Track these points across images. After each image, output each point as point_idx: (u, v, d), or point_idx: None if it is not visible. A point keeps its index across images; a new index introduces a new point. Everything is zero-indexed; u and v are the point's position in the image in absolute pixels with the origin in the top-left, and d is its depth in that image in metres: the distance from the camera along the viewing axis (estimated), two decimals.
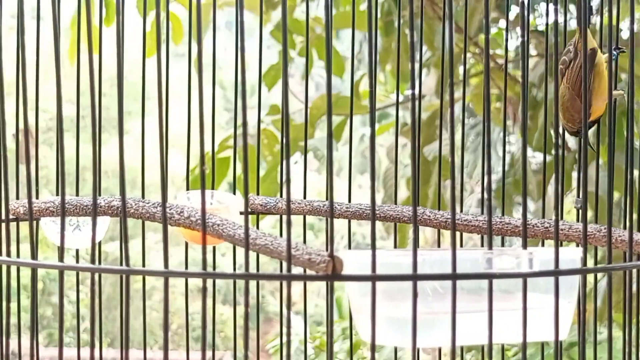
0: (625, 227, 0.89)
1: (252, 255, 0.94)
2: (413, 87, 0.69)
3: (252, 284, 1.21)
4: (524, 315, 0.68)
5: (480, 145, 2.47)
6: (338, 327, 3.81)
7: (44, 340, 6.43)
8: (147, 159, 1.08)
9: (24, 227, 0.96)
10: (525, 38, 1.06)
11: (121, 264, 0.69)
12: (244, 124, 0.68)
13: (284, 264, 0.73)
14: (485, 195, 0.71)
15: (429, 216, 1.06)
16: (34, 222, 0.96)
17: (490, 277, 0.69)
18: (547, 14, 1.54)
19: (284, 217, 1.11)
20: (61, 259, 0.71)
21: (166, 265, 0.68)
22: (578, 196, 1.11)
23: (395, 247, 1.27)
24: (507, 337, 0.76)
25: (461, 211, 1.11)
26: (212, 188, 1.11)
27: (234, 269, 1.06)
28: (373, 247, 0.66)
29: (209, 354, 1.41)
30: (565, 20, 1.29)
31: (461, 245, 1.16)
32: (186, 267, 1.04)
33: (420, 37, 1.24)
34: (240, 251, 0.87)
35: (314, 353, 3.74)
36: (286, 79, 0.69)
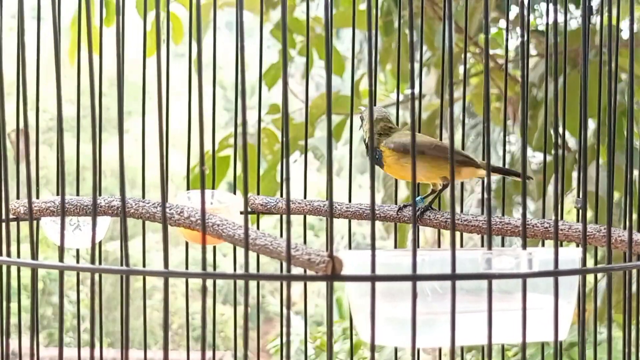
0: (625, 227, 0.89)
1: (253, 255, 0.94)
2: (413, 86, 0.69)
3: (253, 284, 1.20)
4: (524, 316, 0.68)
5: (481, 145, 2.46)
6: (338, 327, 3.81)
7: (44, 340, 6.43)
8: (147, 158, 1.08)
9: (25, 227, 0.96)
10: (525, 38, 1.06)
11: (121, 264, 0.69)
12: (244, 123, 0.68)
13: (284, 264, 0.73)
14: (485, 195, 0.71)
15: (429, 216, 1.06)
16: (34, 222, 0.96)
17: (489, 277, 0.69)
18: (547, 14, 1.54)
19: (284, 217, 1.11)
20: (61, 259, 0.71)
21: (166, 265, 0.68)
22: (578, 196, 1.11)
23: (395, 247, 1.27)
24: (507, 337, 0.76)
25: (461, 211, 1.11)
26: (213, 187, 1.11)
27: (234, 269, 1.06)
28: (373, 247, 0.66)
29: (209, 354, 1.41)
30: (565, 20, 1.29)
31: (461, 246, 1.16)
32: (186, 267, 1.04)
33: (420, 36, 1.24)
34: (241, 251, 0.87)
35: (314, 353, 3.73)
36: (285, 78, 0.69)
